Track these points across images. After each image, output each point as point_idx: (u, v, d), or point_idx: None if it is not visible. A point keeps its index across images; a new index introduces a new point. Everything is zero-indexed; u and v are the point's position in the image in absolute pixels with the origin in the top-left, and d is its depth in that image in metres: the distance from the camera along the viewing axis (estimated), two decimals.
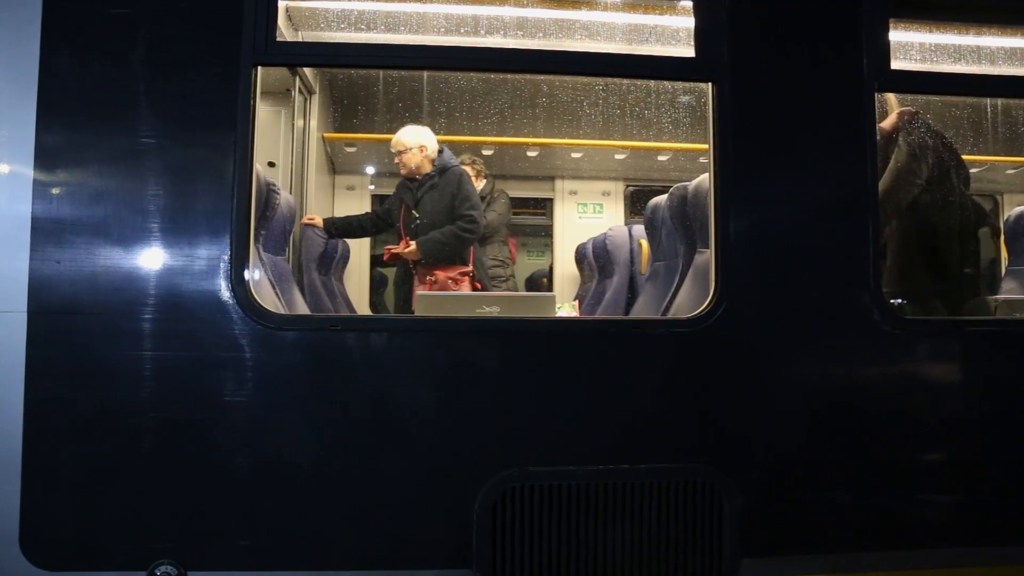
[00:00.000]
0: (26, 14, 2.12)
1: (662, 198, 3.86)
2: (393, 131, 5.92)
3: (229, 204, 2.16)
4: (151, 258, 2.13)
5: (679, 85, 5.00)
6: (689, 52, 2.38)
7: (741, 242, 2.29)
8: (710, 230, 2.36)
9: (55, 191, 2.11)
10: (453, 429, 2.21)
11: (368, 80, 5.43)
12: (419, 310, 2.47)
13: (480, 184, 5.32)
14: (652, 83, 5.16)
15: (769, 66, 2.38)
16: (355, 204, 6.31)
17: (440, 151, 4.54)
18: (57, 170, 2.12)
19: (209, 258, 2.14)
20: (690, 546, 2.22)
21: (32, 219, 2.07)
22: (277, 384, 2.17)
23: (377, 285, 6.52)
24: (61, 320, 2.08)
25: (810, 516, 2.31)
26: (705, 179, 2.90)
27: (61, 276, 2.08)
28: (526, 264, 7.49)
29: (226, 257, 2.14)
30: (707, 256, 2.57)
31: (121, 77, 2.17)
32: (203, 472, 2.14)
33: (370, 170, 6.55)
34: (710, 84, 2.35)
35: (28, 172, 2.09)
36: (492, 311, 2.50)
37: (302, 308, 3.45)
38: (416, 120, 5.75)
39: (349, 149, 6.12)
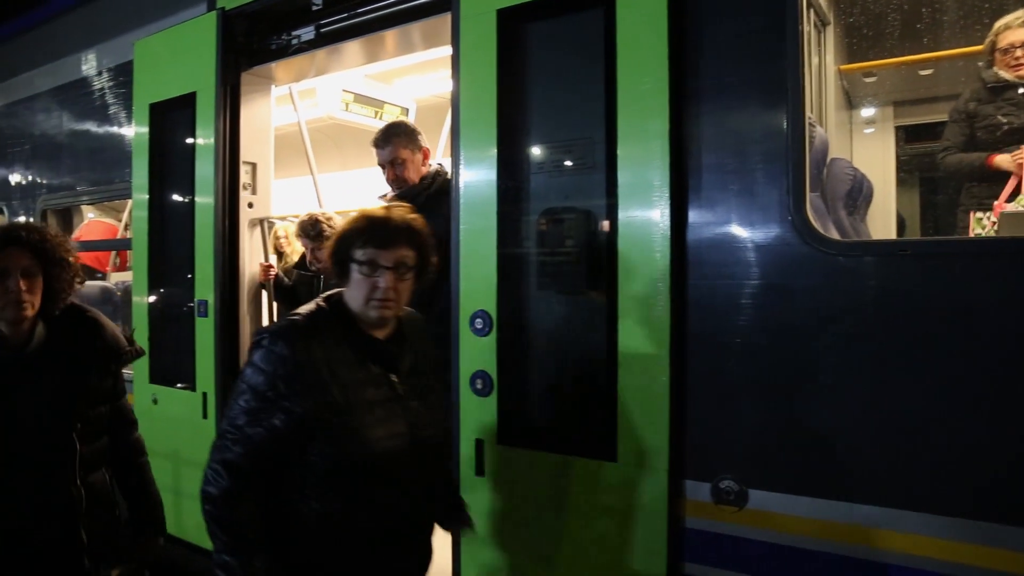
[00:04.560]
0: None
1: None
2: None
3: (785, 143, 2.25)
4: (725, 203, 2.36)
5: None
6: None
7: None
8: None
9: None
10: None
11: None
12: (1002, 230, 2.18)
13: None
14: None
15: None
16: (876, 139, 5.86)
17: None
18: None
19: (768, 194, 2.28)
20: None
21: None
22: (843, 311, 2.17)
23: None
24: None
25: None
26: None
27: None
28: None
29: (784, 190, 2.24)
30: None
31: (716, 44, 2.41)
32: (769, 396, 2.28)
33: (894, 99, 5.95)
34: None
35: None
36: None
37: None
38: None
39: (868, 80, 5.67)
